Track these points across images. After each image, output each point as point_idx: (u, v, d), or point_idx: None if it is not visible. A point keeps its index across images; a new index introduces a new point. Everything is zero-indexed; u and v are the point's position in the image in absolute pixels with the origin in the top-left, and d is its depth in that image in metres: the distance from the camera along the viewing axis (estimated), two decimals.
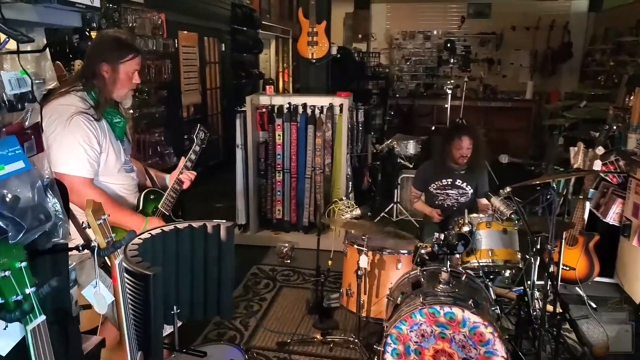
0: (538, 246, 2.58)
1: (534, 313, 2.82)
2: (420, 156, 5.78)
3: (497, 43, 9.72)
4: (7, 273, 0.82)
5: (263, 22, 8.54)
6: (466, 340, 2.27)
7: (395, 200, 5.42)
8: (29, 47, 1.17)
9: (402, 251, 2.93)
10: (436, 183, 3.55)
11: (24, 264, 0.84)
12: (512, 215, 2.45)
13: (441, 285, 2.43)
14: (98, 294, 1.05)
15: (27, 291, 0.85)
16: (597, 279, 3.60)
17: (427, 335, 2.32)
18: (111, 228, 1.93)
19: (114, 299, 1.07)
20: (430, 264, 2.64)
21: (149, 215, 2.17)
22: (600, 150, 3.46)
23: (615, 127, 3.87)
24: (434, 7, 9.93)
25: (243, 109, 4.53)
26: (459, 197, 3.53)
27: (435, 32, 9.96)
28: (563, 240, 2.95)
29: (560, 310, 2.75)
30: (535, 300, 2.94)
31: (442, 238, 2.46)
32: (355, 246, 2.94)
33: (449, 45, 8.53)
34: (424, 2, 9.87)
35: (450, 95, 6.54)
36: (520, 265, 2.74)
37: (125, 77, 2.05)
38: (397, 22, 10.13)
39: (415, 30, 10.02)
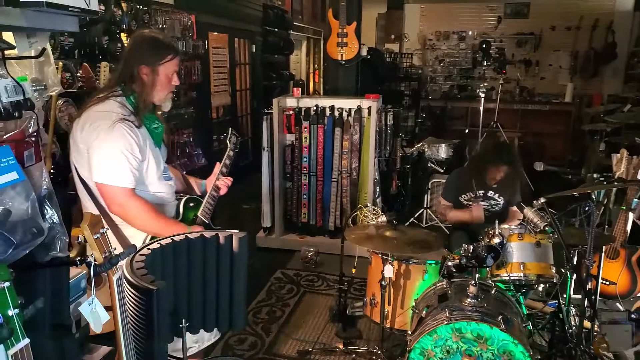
0: (575, 261, 2.42)
1: (570, 330, 2.66)
2: (452, 161, 5.62)
3: (536, 44, 9.39)
4: None
5: (294, 23, 8.50)
6: (494, 358, 2.15)
7: (425, 206, 5.28)
8: (32, 52, 1.13)
9: (429, 261, 2.82)
10: (467, 194, 3.40)
11: (7, 284, 0.78)
12: (546, 228, 2.30)
13: (469, 299, 2.31)
14: (94, 312, 1.00)
15: (10, 313, 0.79)
16: None
17: (452, 351, 2.21)
18: (153, 239, 1.87)
19: (109, 318, 1.02)
20: (458, 276, 2.52)
21: (189, 223, 2.12)
22: None
23: None
24: (469, 7, 9.68)
25: (270, 111, 4.48)
26: (490, 208, 3.38)
27: (470, 33, 9.71)
28: (603, 254, 2.77)
29: (598, 328, 2.59)
30: (572, 317, 2.78)
31: (471, 250, 2.34)
32: (380, 255, 2.84)
33: (484, 46, 8.31)
34: (460, 2, 9.63)
35: (483, 97, 6.34)
36: (555, 280, 2.58)
37: (165, 79, 1.98)
38: (431, 23, 9.93)
39: (449, 30, 9.79)
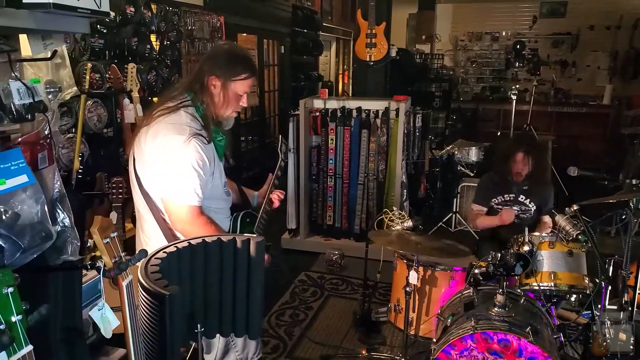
0: (610, 272, 2.31)
1: (605, 343, 2.54)
2: (483, 164, 5.49)
3: (572, 44, 9.11)
4: None
5: (324, 24, 8.47)
6: None
7: (454, 210, 5.17)
8: (49, 54, 1.12)
9: (455, 268, 2.74)
10: (498, 198, 3.30)
11: (10, 289, 0.77)
12: (580, 237, 2.20)
13: (496, 309, 2.23)
14: (104, 317, 0.99)
15: (13, 319, 0.78)
16: None
17: None
18: None
19: (119, 323, 1.01)
20: (485, 284, 2.44)
21: None
22: None
23: None
24: (503, 7, 9.46)
25: (296, 112, 4.46)
26: (521, 214, 3.26)
27: (503, 33, 9.49)
28: None
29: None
30: (606, 329, 2.66)
31: (499, 257, 2.26)
32: (405, 261, 2.78)
33: (518, 47, 8.10)
34: (493, 1, 9.43)
35: (515, 100, 6.17)
36: (588, 291, 2.47)
37: (234, 97, 1.85)
38: (463, 23, 9.75)
39: (482, 31, 9.60)
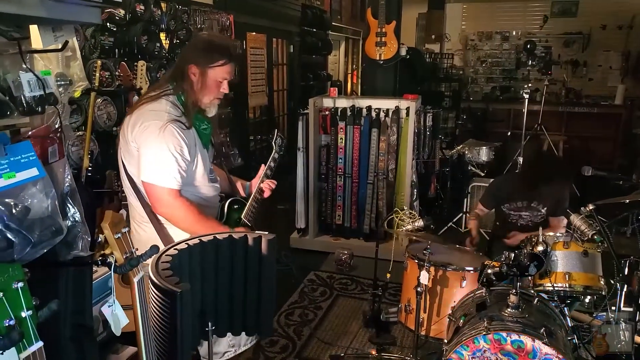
0: (626, 272, 2.26)
1: (619, 346, 2.50)
2: (493, 164, 5.44)
3: (584, 44, 9.01)
4: None
5: (333, 23, 8.45)
6: None
7: (464, 210, 5.12)
8: (60, 46, 1.11)
9: (467, 268, 2.70)
10: (510, 204, 3.25)
11: (20, 284, 0.76)
12: (595, 237, 2.16)
13: (509, 309, 2.19)
14: (114, 314, 0.97)
15: (23, 314, 0.77)
16: None
17: None
18: None
19: (128, 321, 0.99)
20: (498, 284, 2.40)
21: (232, 225, 2.09)
22: None
23: None
24: (513, 6, 9.38)
25: (305, 111, 4.44)
26: (533, 218, 3.21)
27: (514, 33, 9.41)
28: None
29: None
30: (621, 331, 2.61)
31: (512, 257, 2.22)
32: (416, 260, 2.75)
33: (528, 46, 8.02)
34: (503, 1, 9.36)
35: (527, 99, 6.11)
36: (604, 293, 2.43)
37: (213, 84, 1.93)
38: (473, 22, 9.68)
39: (492, 30, 9.52)
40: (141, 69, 3.06)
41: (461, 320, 2.32)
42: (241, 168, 4.89)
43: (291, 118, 7.14)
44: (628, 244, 2.49)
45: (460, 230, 5.06)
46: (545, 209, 3.18)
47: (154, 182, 1.84)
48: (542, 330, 2.04)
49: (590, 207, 2.19)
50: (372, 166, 4.38)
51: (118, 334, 1.00)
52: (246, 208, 2.16)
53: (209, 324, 1.38)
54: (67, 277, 0.94)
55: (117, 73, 3.13)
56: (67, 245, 0.91)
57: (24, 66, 0.99)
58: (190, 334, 1.21)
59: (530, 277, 2.48)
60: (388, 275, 3.16)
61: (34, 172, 0.85)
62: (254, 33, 6.05)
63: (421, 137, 4.54)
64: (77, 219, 0.93)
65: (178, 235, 1.93)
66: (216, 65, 1.91)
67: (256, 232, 1.50)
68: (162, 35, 3.85)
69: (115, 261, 0.94)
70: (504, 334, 2.07)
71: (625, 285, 2.29)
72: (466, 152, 5.33)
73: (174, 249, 1.35)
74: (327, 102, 4.49)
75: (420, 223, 2.97)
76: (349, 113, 4.39)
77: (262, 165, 2.29)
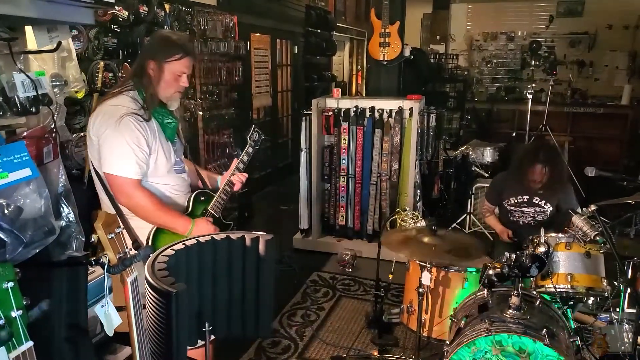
0: (629, 274, 2.24)
1: (622, 347, 2.48)
2: (498, 164, 5.41)
3: (590, 44, 8.96)
4: None
5: (338, 24, 8.45)
6: None
7: (468, 211, 5.10)
8: (55, 46, 1.11)
9: (469, 269, 2.69)
10: (511, 199, 3.23)
11: (10, 284, 0.76)
12: (597, 238, 2.14)
13: (511, 311, 2.18)
14: (107, 314, 0.97)
15: (13, 314, 0.77)
16: None
17: None
18: (159, 230, 1.87)
19: (121, 321, 0.99)
20: (499, 286, 2.39)
21: (198, 217, 2.12)
22: None
23: None
24: (519, 7, 9.34)
25: (309, 112, 4.44)
26: (536, 215, 3.19)
27: (519, 33, 9.37)
28: None
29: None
30: (624, 333, 2.59)
31: (514, 258, 2.21)
32: (418, 261, 2.74)
33: (534, 46, 7.99)
34: (508, 1, 9.32)
35: (530, 100, 6.08)
36: (606, 294, 2.41)
37: (171, 78, 2.00)
38: (478, 23, 9.65)
39: (497, 31, 9.49)
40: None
41: (463, 322, 2.32)
42: (244, 169, 4.89)
43: (295, 119, 7.14)
44: (632, 245, 2.46)
45: (464, 231, 5.04)
46: (548, 205, 3.15)
47: (114, 172, 1.89)
48: (543, 332, 2.03)
49: (593, 207, 2.17)
50: (375, 167, 4.37)
51: (111, 334, 1.00)
52: (214, 200, 2.19)
53: (206, 324, 1.38)
54: (61, 277, 0.94)
55: (120, 74, 3.15)
56: (61, 245, 0.91)
57: (17, 67, 1.00)
58: (186, 334, 1.21)
59: (532, 278, 2.46)
60: (390, 276, 3.15)
61: (27, 172, 0.85)
62: (258, 34, 6.05)
63: (424, 138, 4.53)
64: (71, 219, 0.94)
65: (140, 226, 1.98)
66: (173, 60, 1.97)
67: (254, 232, 1.50)
68: None
69: (109, 261, 0.95)
70: (506, 336, 2.06)
71: (629, 287, 2.27)
72: (470, 153, 5.31)
73: (171, 249, 1.35)
74: (330, 103, 4.49)
75: (422, 224, 2.97)
76: (352, 114, 4.38)
77: (235, 158, 2.33)
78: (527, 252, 2.26)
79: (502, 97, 9.12)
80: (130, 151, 1.89)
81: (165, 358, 1.18)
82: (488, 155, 5.27)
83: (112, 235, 0.97)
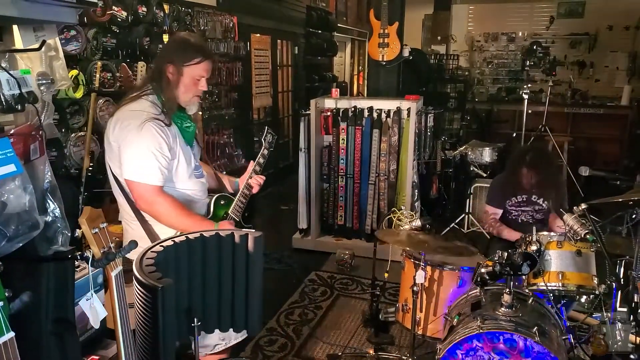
0: (621, 273, 2.25)
1: (615, 346, 2.49)
2: (497, 165, 5.42)
3: (591, 44, 8.96)
4: None
5: (339, 25, 8.47)
6: None
7: (466, 211, 5.11)
8: (39, 45, 1.13)
9: (463, 267, 2.71)
10: (512, 199, 3.25)
11: None
12: (588, 236, 2.16)
13: (503, 309, 2.20)
14: (93, 308, 0.99)
15: None
16: None
17: None
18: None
19: (106, 314, 1.01)
20: (493, 284, 2.40)
21: (219, 221, 2.13)
22: None
23: None
24: (520, 8, 9.35)
25: (307, 112, 4.47)
26: (535, 214, 3.21)
27: (520, 34, 9.38)
28: None
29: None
30: (617, 331, 2.60)
31: (505, 257, 2.22)
32: (413, 260, 2.76)
33: (534, 47, 8.00)
34: (509, 2, 9.32)
35: (527, 99, 6.08)
36: (597, 292, 2.42)
37: (190, 82, 1.97)
38: (479, 24, 9.66)
39: (498, 31, 9.50)
40: (141, 70, 3.10)
41: (455, 320, 2.33)
42: (244, 169, 4.92)
43: (295, 119, 7.17)
44: (623, 244, 2.47)
45: (462, 231, 5.05)
46: (546, 202, 3.17)
47: (136, 179, 1.88)
48: (534, 329, 2.05)
49: (583, 206, 2.19)
50: (373, 167, 4.39)
51: (96, 326, 1.02)
52: (234, 203, 2.19)
53: (195, 319, 1.41)
54: (48, 272, 0.96)
55: (118, 74, 3.18)
56: (47, 240, 0.94)
57: (1, 65, 1.02)
58: (174, 329, 1.24)
59: (524, 277, 2.48)
60: (386, 275, 3.17)
61: (11, 168, 0.87)
62: (258, 35, 6.08)
63: (422, 138, 4.54)
64: (57, 214, 0.96)
65: (164, 232, 1.97)
66: (192, 64, 1.95)
67: (243, 229, 1.52)
68: (165, 37, 3.89)
69: (93, 256, 0.97)
70: (497, 333, 2.08)
71: (620, 285, 2.29)
72: (469, 153, 5.31)
73: (160, 245, 1.38)
74: (329, 103, 4.51)
75: (417, 223, 2.98)
76: (350, 114, 4.40)
77: (251, 161, 2.33)
78: (519, 250, 2.27)
79: (502, 97, 9.12)
80: (152, 157, 1.87)
81: (152, 352, 1.20)
82: (487, 155, 5.27)
83: (97, 230, 0.99)
